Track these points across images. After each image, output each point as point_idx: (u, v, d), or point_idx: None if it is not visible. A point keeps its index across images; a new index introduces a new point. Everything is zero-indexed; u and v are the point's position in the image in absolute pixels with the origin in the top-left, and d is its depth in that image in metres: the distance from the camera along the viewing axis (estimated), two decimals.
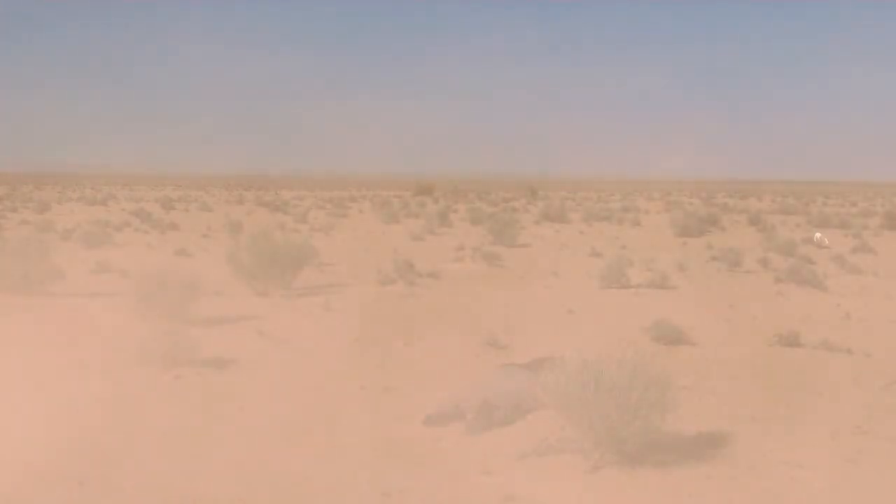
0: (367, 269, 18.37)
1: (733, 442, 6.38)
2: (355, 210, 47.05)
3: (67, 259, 18.09)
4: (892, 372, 8.76)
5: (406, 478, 5.68)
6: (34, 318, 11.26)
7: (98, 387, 7.76)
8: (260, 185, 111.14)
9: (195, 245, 23.91)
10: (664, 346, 9.94)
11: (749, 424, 6.91)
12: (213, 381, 8.10)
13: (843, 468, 5.91)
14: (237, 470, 5.81)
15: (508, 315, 12.10)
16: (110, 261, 17.75)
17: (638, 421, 5.68)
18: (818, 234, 26.92)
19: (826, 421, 7.03)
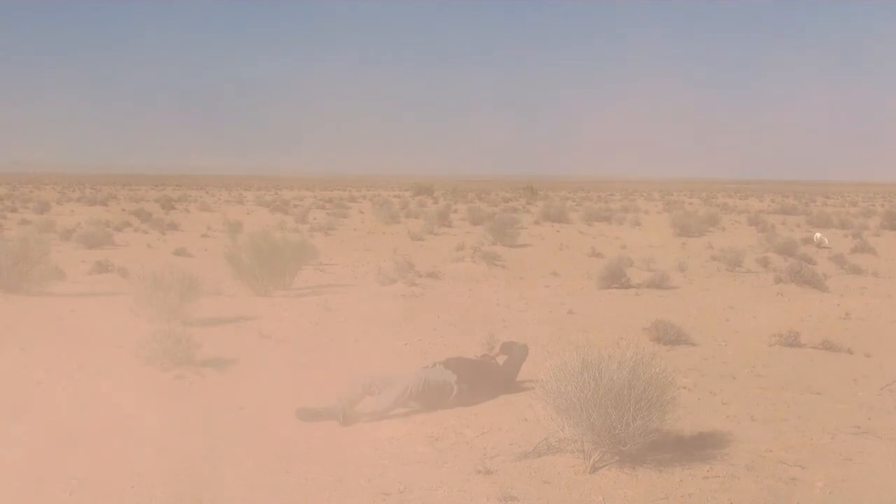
0: (367, 269, 18.41)
1: (733, 442, 6.38)
2: (355, 210, 47.07)
3: (67, 259, 18.13)
4: (892, 372, 8.77)
5: (406, 477, 5.68)
6: (33, 318, 11.25)
7: (97, 387, 7.76)
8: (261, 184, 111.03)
9: (195, 245, 23.94)
10: (664, 346, 9.95)
11: (749, 424, 6.91)
12: (213, 381, 8.10)
13: (843, 468, 5.91)
14: (236, 470, 5.81)
15: (508, 315, 12.10)
16: (110, 261, 17.76)
17: (638, 421, 5.68)
18: (818, 234, 26.94)
19: (826, 421, 7.03)
